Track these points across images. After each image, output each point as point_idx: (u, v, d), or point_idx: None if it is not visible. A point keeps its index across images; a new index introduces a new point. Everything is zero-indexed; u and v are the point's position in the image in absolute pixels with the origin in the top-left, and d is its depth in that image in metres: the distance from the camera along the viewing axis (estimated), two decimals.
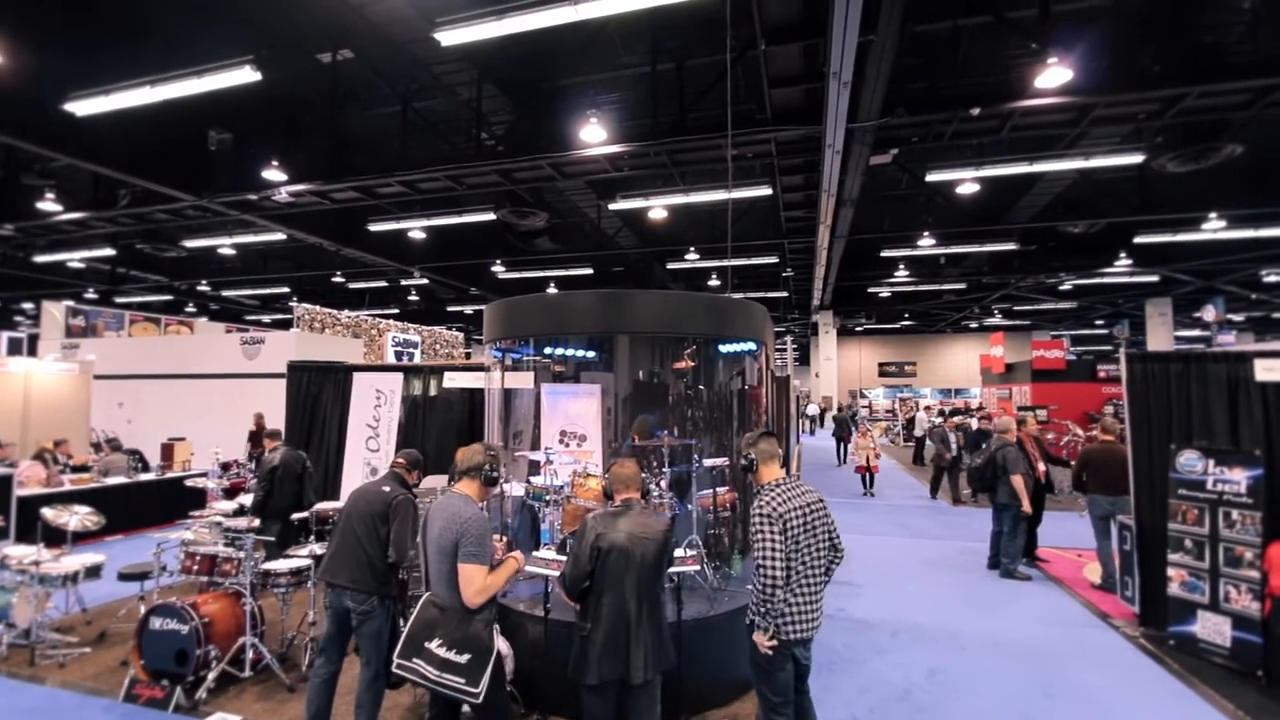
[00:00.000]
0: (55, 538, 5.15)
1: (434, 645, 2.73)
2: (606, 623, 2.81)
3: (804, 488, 3.04)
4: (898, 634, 5.33)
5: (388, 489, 3.63)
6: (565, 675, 2.89)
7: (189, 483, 7.37)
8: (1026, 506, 6.74)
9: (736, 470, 4.79)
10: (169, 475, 9.63)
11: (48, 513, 5.26)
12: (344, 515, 3.61)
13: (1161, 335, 22.16)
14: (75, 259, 17.86)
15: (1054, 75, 7.32)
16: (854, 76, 6.43)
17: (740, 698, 4.05)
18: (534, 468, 5.38)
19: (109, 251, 16.70)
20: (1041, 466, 7.25)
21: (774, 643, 2.85)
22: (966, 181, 10.92)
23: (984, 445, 8.16)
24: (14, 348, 15.81)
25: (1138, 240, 15.10)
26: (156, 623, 4.19)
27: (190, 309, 26.44)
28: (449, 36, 6.42)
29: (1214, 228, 13.59)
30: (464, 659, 2.70)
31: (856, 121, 7.82)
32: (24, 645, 4.78)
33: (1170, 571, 5.02)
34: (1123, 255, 16.63)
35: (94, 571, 5.08)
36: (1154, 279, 19.76)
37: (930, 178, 10.72)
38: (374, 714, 3.46)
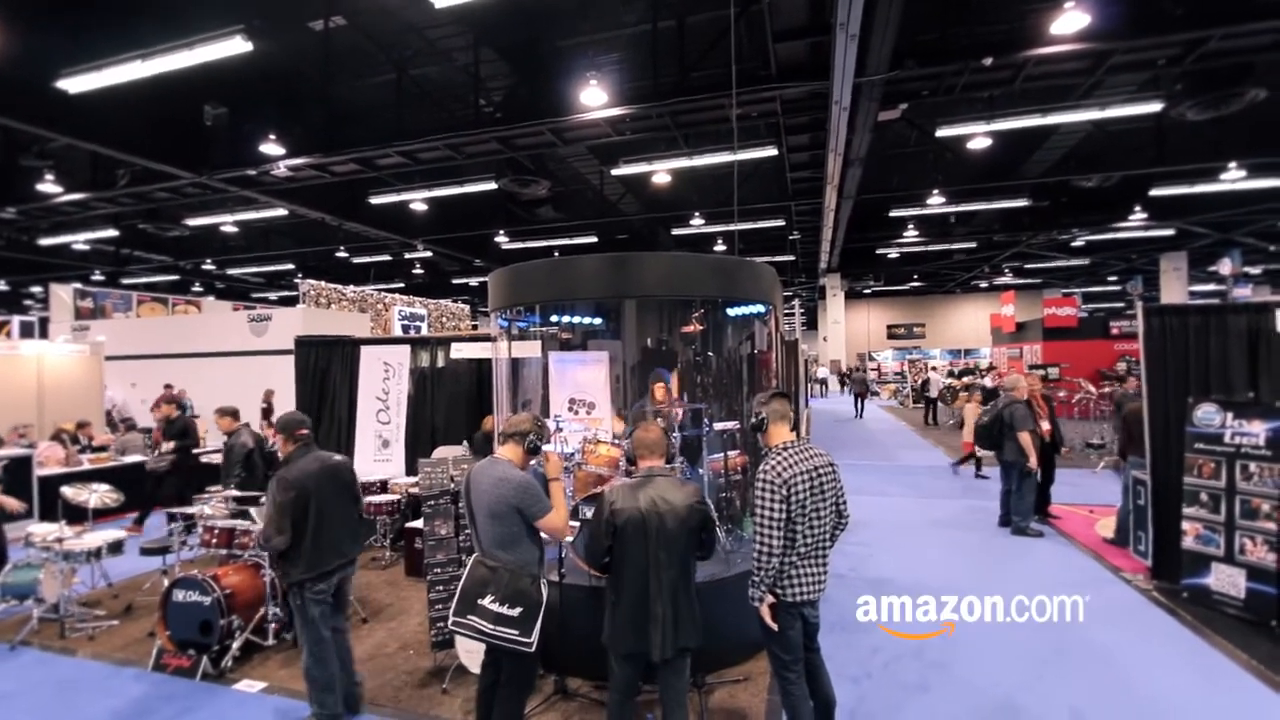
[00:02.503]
0: (76, 516, 5.24)
1: (487, 601, 2.86)
2: (629, 596, 2.82)
3: (812, 450, 2.97)
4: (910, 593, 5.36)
5: (338, 458, 3.82)
6: (580, 638, 2.92)
7: (204, 459, 7.46)
8: (1033, 463, 6.73)
9: (747, 434, 4.77)
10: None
11: (68, 491, 5.33)
12: (312, 501, 3.44)
13: (1176, 290, 21.82)
14: (79, 241, 17.85)
15: (1070, 20, 7.05)
16: (862, 28, 6.20)
17: (754, 656, 4.10)
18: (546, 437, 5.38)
19: (112, 232, 16.66)
20: (1045, 425, 7.21)
21: (772, 601, 2.88)
22: (978, 136, 10.62)
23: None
24: (25, 331, 15.93)
25: (1153, 193, 14.73)
26: (180, 595, 4.27)
27: (197, 288, 26.49)
28: None
29: (1233, 178, 13.25)
30: (516, 612, 2.83)
31: (864, 76, 7.58)
32: (54, 619, 4.89)
33: (1185, 525, 5.00)
34: (1137, 209, 16.26)
35: (116, 547, 5.17)
36: (1169, 233, 19.37)
37: (940, 133, 10.44)
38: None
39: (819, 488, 2.90)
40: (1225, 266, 16.27)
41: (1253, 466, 4.65)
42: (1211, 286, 26.89)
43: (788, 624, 2.89)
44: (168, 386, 12.71)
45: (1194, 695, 3.74)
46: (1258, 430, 4.65)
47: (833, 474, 2.99)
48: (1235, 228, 18.39)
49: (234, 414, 6.08)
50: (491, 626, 2.84)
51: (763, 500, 2.81)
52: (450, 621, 2.95)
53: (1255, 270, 26.32)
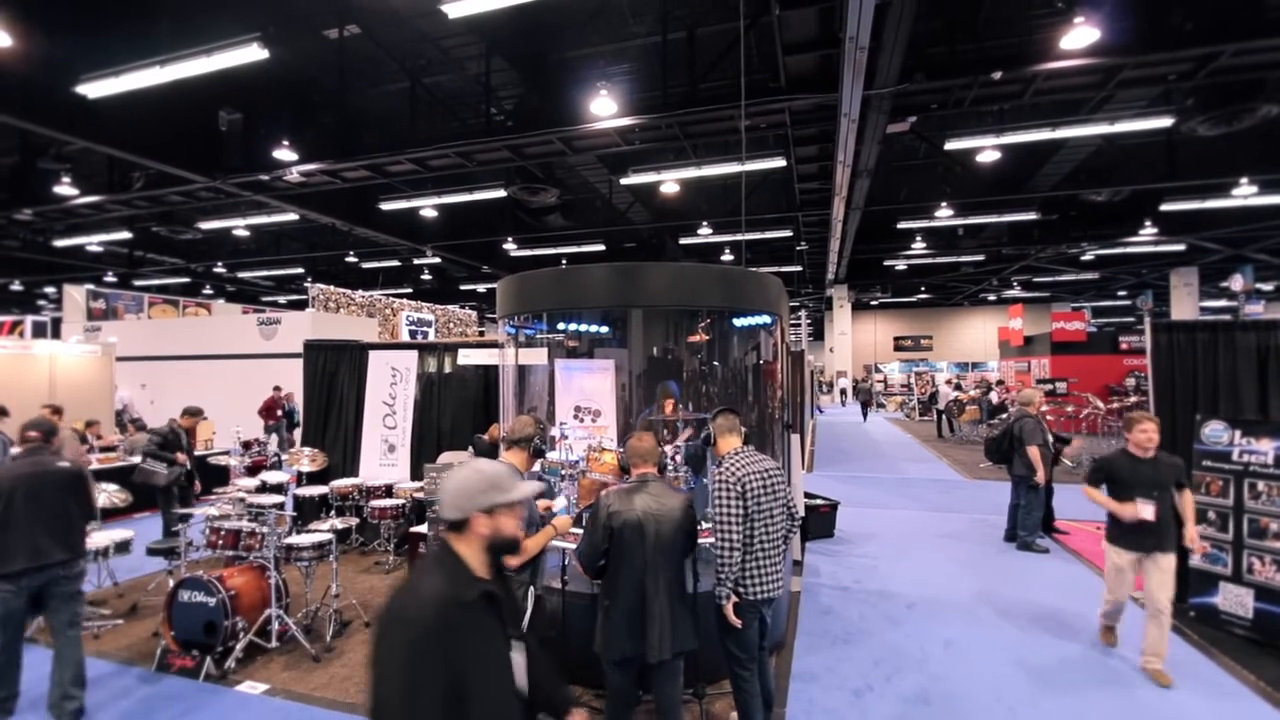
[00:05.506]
0: None
1: None
2: (624, 600, 2.83)
3: (758, 457, 3.19)
4: (913, 606, 5.34)
5: (64, 464, 3.79)
6: (582, 647, 2.93)
7: (212, 460, 7.52)
8: (1041, 477, 6.68)
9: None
10: (193, 453, 9.81)
11: None
12: (11, 497, 3.52)
13: (1187, 306, 21.68)
14: (94, 243, 18.08)
15: (1080, 35, 7.07)
16: (871, 41, 6.24)
17: None
18: (549, 442, 5.40)
19: (126, 235, 16.87)
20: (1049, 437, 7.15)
21: (735, 600, 3.01)
22: (987, 149, 10.65)
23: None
24: (38, 330, 16.10)
25: (1164, 208, 14.68)
26: (185, 595, 4.30)
27: (207, 291, 26.74)
28: (456, 8, 6.31)
29: (1245, 194, 13.18)
30: None
31: (873, 88, 7.61)
32: None
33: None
34: (1148, 224, 16.21)
35: (123, 547, 5.21)
36: (1180, 248, 19.27)
37: (949, 146, 10.46)
38: (82, 666, 3.70)
39: (770, 488, 3.11)
40: (1237, 283, 16.15)
41: (1261, 485, 4.62)
42: (1223, 303, 26.71)
43: (747, 622, 3.04)
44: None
45: (1200, 716, 3.70)
46: (1266, 448, 4.61)
47: (781, 477, 3.21)
48: (1247, 244, 18.27)
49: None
50: None
51: (720, 499, 3.00)
52: None
53: (1267, 286, 26.11)
